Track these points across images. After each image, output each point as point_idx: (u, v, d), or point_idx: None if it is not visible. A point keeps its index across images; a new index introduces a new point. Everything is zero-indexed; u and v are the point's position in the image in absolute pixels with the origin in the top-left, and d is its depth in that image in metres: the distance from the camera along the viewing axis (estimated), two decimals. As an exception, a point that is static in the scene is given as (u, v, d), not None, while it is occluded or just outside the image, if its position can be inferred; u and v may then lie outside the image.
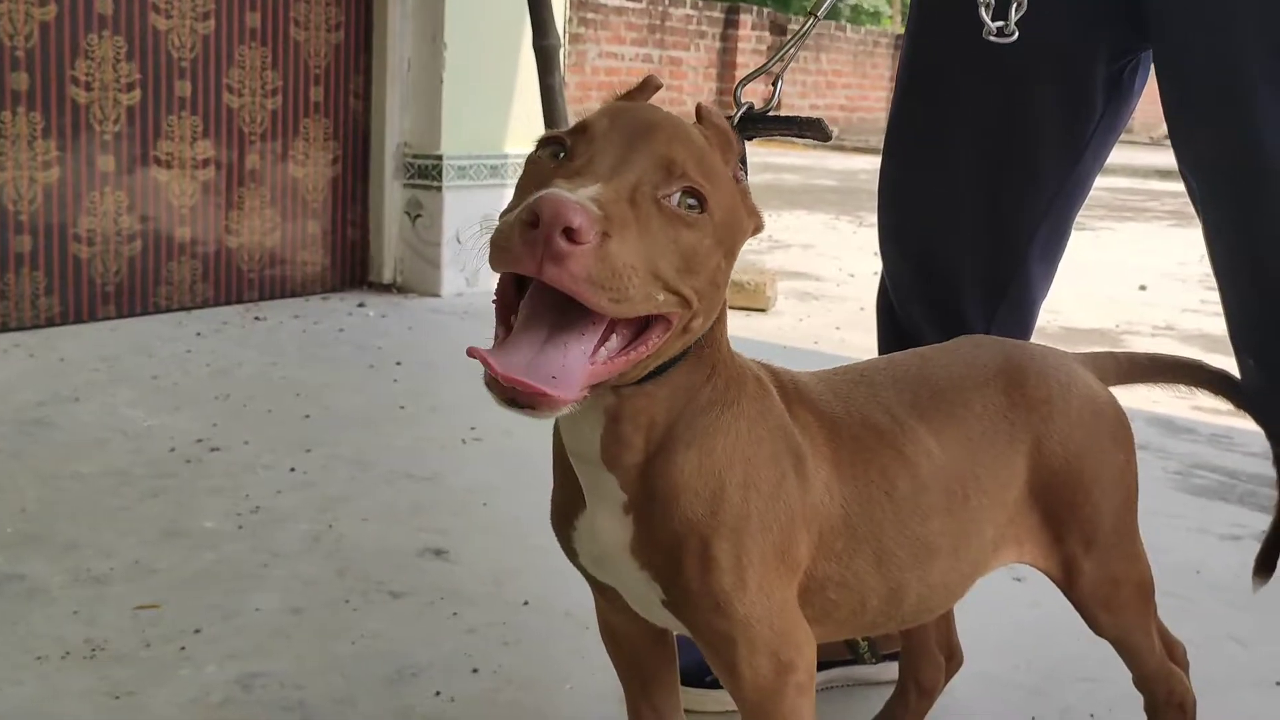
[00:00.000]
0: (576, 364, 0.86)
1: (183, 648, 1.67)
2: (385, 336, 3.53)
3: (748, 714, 1.07)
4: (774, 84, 1.22)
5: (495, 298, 0.93)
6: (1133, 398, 3.12)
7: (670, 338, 0.92)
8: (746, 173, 1.01)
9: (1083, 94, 1.46)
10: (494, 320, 0.93)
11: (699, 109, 1.00)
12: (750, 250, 5.76)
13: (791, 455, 1.06)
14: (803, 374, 1.18)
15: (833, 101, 14.83)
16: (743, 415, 1.03)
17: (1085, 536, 1.23)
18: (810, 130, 1.05)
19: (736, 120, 1.08)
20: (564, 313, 0.88)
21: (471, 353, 0.86)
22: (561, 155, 0.92)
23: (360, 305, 3.92)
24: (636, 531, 1.03)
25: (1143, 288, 5.21)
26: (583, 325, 0.88)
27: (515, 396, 0.84)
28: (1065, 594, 1.28)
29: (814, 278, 5.05)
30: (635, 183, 0.88)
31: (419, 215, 4.10)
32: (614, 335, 0.90)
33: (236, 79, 3.72)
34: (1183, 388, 1.43)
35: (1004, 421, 1.19)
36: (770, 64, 1.21)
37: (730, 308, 1.12)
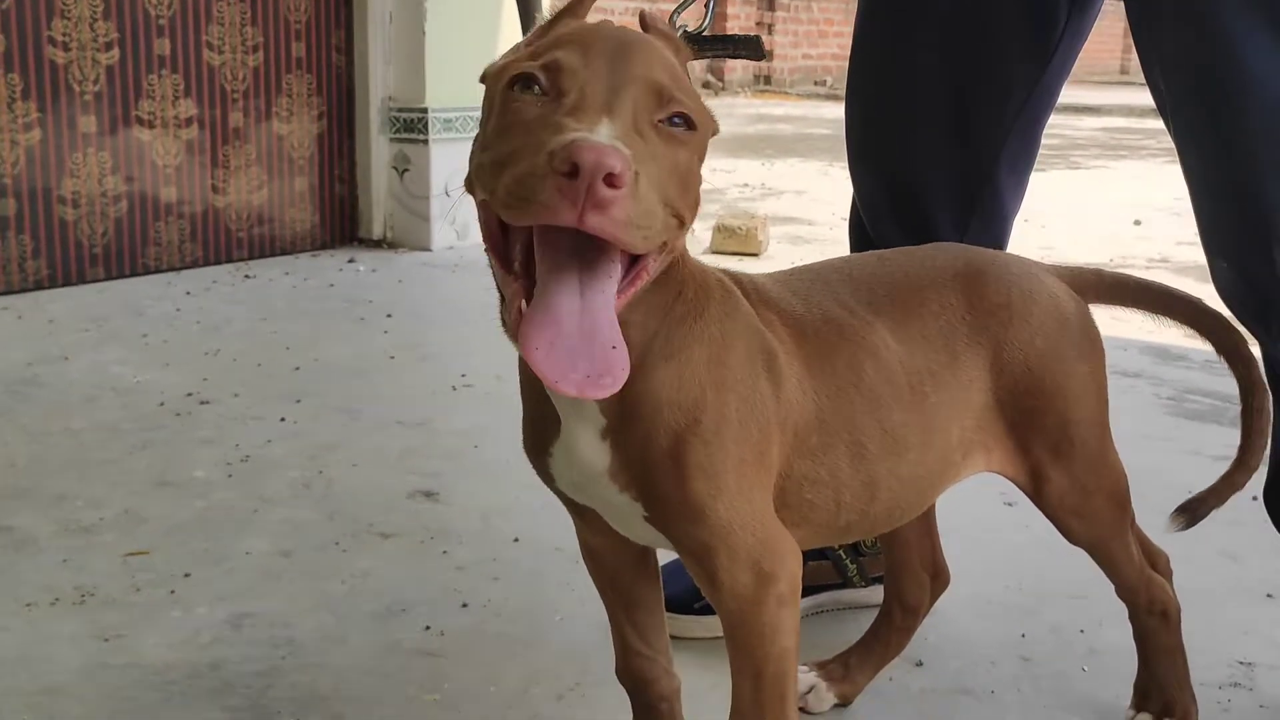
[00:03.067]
0: (623, 352, 0.87)
1: (172, 591, 1.67)
2: (375, 290, 3.52)
3: (729, 625, 1.06)
4: (706, 6, 1.20)
5: (487, 243, 0.92)
6: (1128, 328, 3.12)
7: (659, 255, 0.92)
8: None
9: (1047, 3, 1.45)
10: (490, 270, 0.93)
11: (643, 17, 0.99)
12: (743, 197, 5.74)
13: (764, 355, 1.06)
14: (759, 276, 1.17)
15: (825, 51, 14.72)
16: (713, 320, 1.03)
17: (1051, 445, 1.23)
18: (745, 49, 1.04)
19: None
20: (583, 256, 0.87)
21: (532, 365, 0.85)
22: (536, 89, 0.90)
23: (350, 261, 3.91)
24: (614, 455, 1.02)
25: (1137, 223, 5.19)
26: (607, 267, 0.88)
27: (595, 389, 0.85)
28: (1035, 503, 1.28)
29: (806, 222, 5.03)
30: (634, 112, 0.87)
31: (406, 170, 4.08)
32: (621, 270, 0.90)
33: (216, 36, 3.69)
34: (1169, 320, 1.38)
35: (962, 323, 1.19)
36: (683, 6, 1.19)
37: (722, 252, 1.12)
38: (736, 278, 1.12)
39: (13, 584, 1.67)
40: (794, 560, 1.07)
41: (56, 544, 1.80)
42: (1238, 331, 1.33)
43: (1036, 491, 1.26)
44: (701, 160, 0.95)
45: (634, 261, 0.91)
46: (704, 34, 1.08)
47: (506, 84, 0.91)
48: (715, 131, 0.97)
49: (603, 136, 0.82)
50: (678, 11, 1.08)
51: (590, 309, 0.87)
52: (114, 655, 1.50)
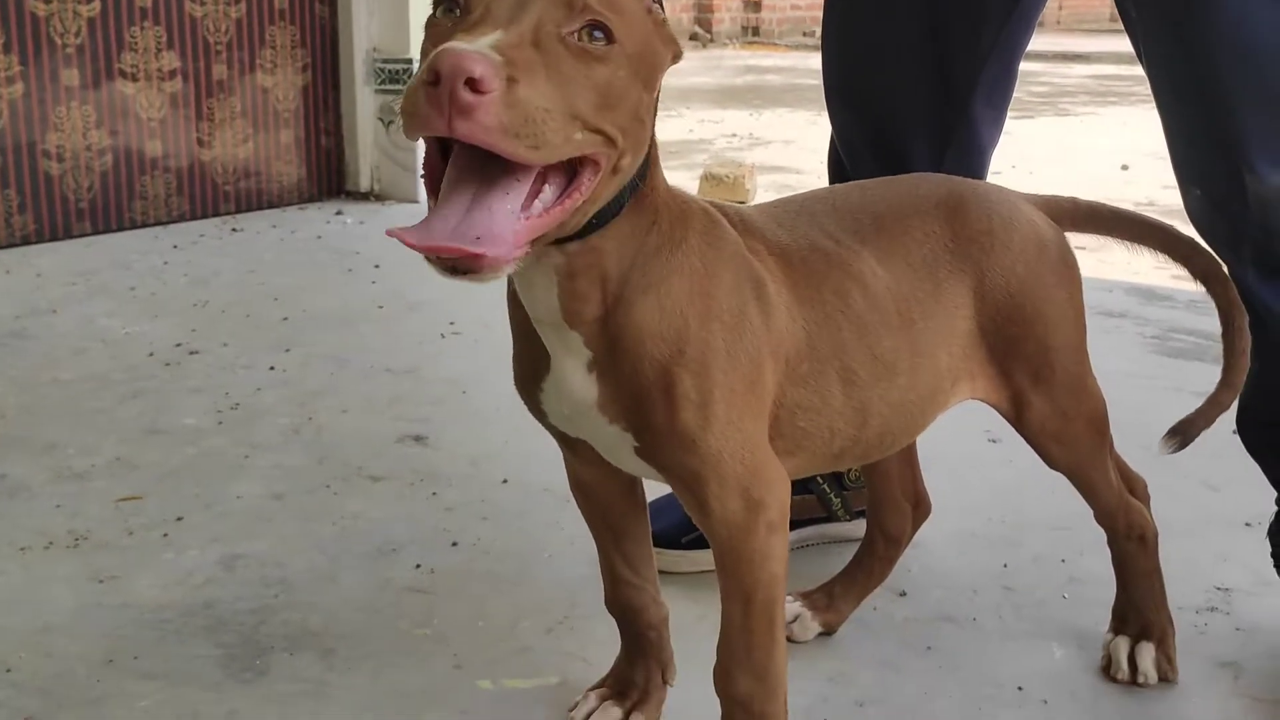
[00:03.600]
0: (505, 221, 0.86)
1: (165, 534, 1.69)
2: (363, 242, 3.51)
3: (719, 552, 1.08)
4: None
5: (423, 171, 0.92)
6: (1112, 269, 3.12)
7: (602, 180, 0.91)
8: (662, 6, 0.99)
9: None
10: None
11: None
12: (730, 146, 5.72)
13: (752, 283, 1.07)
14: (744, 208, 1.18)
15: (813, 1, 14.62)
16: (694, 251, 1.03)
17: (1032, 371, 1.25)
18: None
19: None
20: (488, 172, 0.87)
21: (390, 233, 0.84)
22: (457, 12, 0.90)
23: (338, 213, 3.90)
24: (602, 388, 1.03)
25: (1125, 167, 5.20)
26: (507, 182, 0.87)
27: (454, 264, 0.84)
28: (1016, 428, 1.30)
29: (794, 170, 5.02)
30: (536, 24, 0.86)
31: (392, 121, 4.06)
32: (546, 186, 0.89)
33: (198, -13, 3.66)
34: (1145, 250, 1.40)
35: (945, 251, 1.20)
36: None
37: (709, 201, 1.12)
38: (722, 208, 1.12)
39: (7, 529, 1.69)
40: (782, 487, 1.09)
41: (49, 490, 1.82)
42: (1211, 254, 1.34)
43: (1018, 417, 1.28)
44: (642, 78, 0.92)
45: (572, 179, 0.90)
46: None
47: (433, 7, 0.92)
48: (676, 57, 0.97)
49: (477, 46, 0.81)
50: None
51: (479, 207, 0.86)
52: (108, 596, 1.52)
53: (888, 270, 1.17)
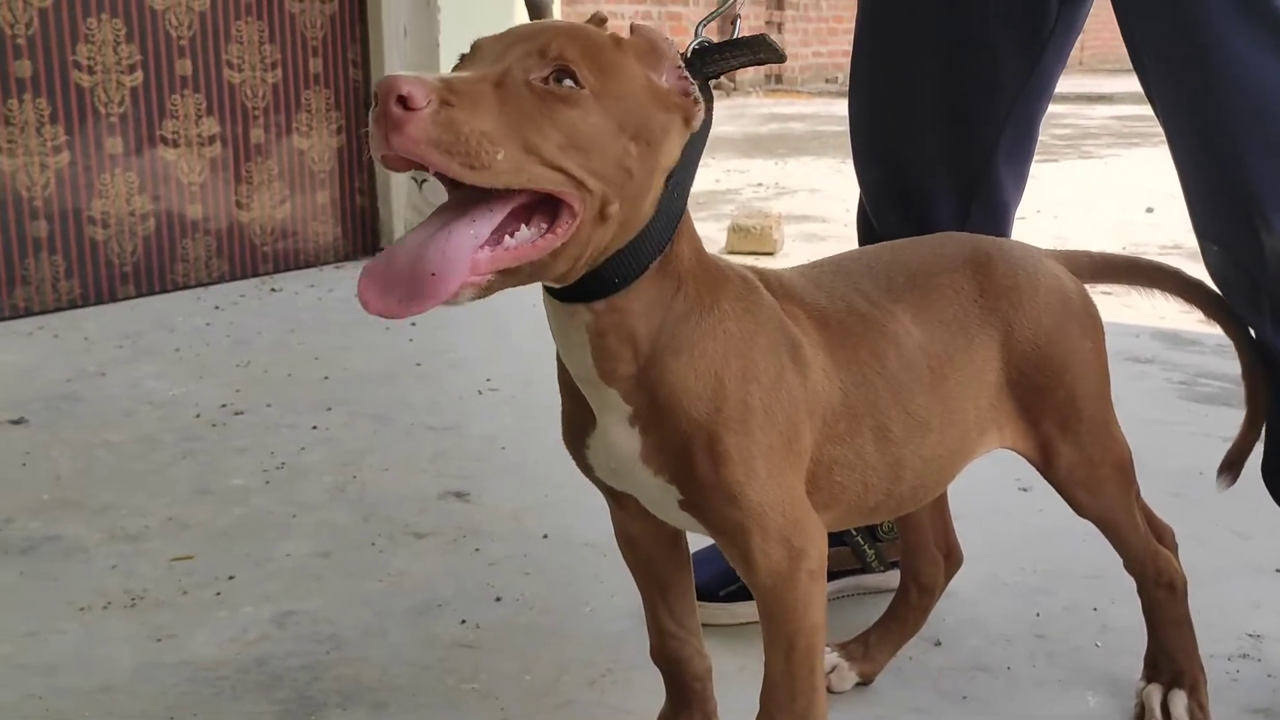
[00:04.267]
0: (460, 244, 0.91)
1: (218, 593, 1.74)
2: (399, 299, 3.58)
3: (763, 600, 1.12)
4: (733, 23, 1.25)
5: None
6: (1139, 314, 3.16)
7: (583, 225, 0.95)
8: (692, 79, 1.02)
9: None
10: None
11: (632, 27, 1.04)
12: (756, 196, 5.79)
13: (788, 345, 1.11)
14: (784, 271, 1.23)
15: (836, 48, 14.75)
16: (728, 316, 1.08)
17: (1060, 420, 1.29)
18: (762, 50, 1.08)
19: (690, 52, 1.10)
20: (465, 206, 0.93)
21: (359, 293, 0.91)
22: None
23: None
24: (645, 441, 1.08)
25: (1149, 210, 5.22)
26: (477, 211, 0.92)
27: (412, 286, 0.89)
28: (1045, 476, 1.34)
29: (820, 219, 5.08)
30: (504, 70, 0.92)
31: (425, 180, 4.14)
32: (524, 226, 0.94)
33: (236, 54, 3.77)
34: (1159, 293, 1.48)
35: (974, 306, 1.25)
36: (727, 6, 1.23)
37: (738, 252, 1.18)
38: (761, 274, 1.17)
39: (66, 589, 1.74)
40: (821, 538, 1.13)
41: (105, 550, 1.88)
42: (1217, 294, 1.40)
43: (1046, 465, 1.32)
44: (631, 133, 0.96)
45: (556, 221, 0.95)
46: (717, 43, 1.12)
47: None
48: (688, 119, 1.01)
49: (417, 74, 0.88)
50: (701, 25, 1.13)
51: (431, 244, 0.90)
52: (166, 654, 1.57)
53: (921, 328, 1.22)
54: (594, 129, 0.94)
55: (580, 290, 1.02)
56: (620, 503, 1.22)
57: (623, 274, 1.02)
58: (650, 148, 0.98)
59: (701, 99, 1.03)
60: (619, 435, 1.09)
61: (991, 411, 1.27)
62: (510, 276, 0.95)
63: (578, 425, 1.15)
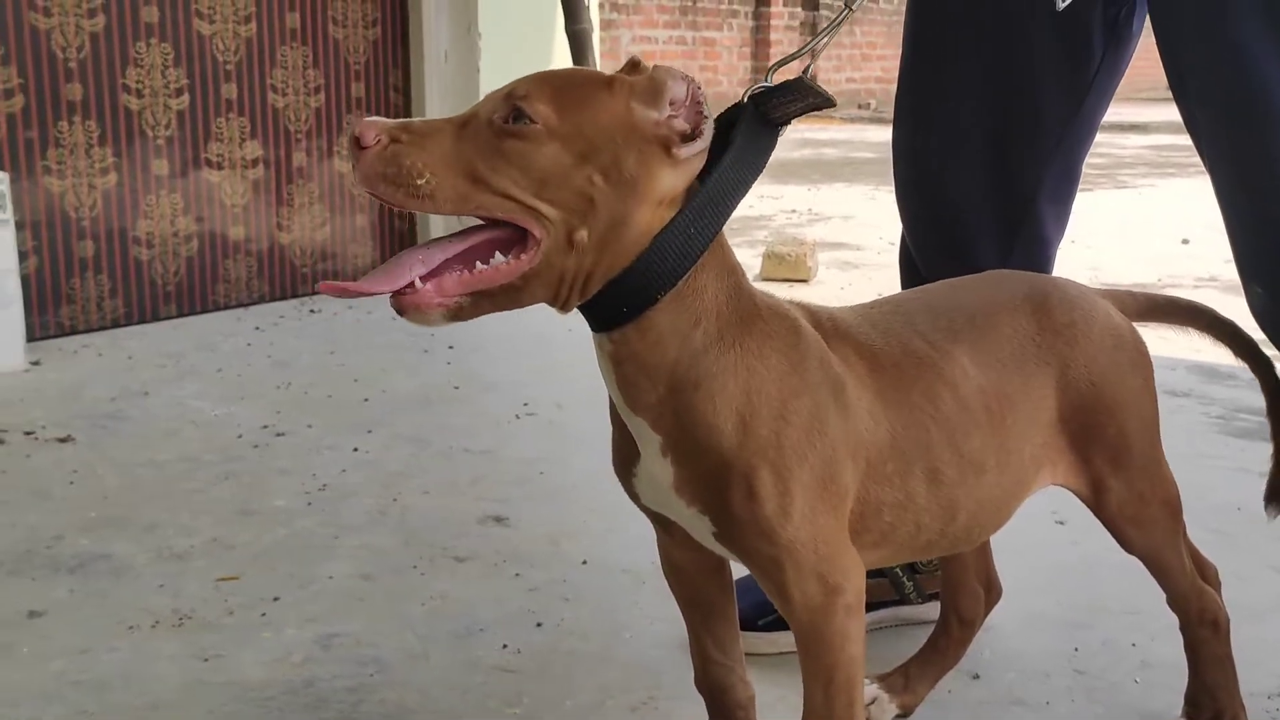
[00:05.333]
0: (414, 268, 1.01)
1: (263, 614, 1.77)
2: (436, 322, 3.61)
3: (800, 635, 1.14)
4: (805, 71, 1.25)
5: None
6: (1176, 347, 3.16)
7: (550, 252, 1.01)
8: (705, 116, 1.05)
9: (1082, 39, 1.52)
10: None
11: (630, 60, 1.10)
12: (790, 223, 5.81)
13: (830, 387, 1.13)
14: (839, 310, 1.25)
15: (868, 74, 14.78)
16: (752, 354, 1.09)
17: (1111, 457, 1.30)
18: (812, 95, 1.10)
19: (747, 97, 1.12)
20: (457, 236, 1.04)
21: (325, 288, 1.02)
22: None
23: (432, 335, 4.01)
24: (677, 471, 1.10)
25: (1185, 241, 5.21)
26: (453, 242, 1.03)
27: (396, 303, 1.01)
28: (1095, 512, 1.35)
29: (854, 247, 5.09)
30: (473, 113, 1.02)
31: (463, 204, 4.18)
32: (503, 254, 1.02)
33: (280, 79, 3.83)
34: (1193, 331, 1.49)
35: (1032, 345, 1.27)
36: (804, 50, 1.24)
37: (772, 279, 1.20)
38: (814, 312, 1.19)
39: (115, 607, 1.77)
40: (858, 574, 1.14)
41: (152, 570, 1.91)
42: (1249, 336, 1.41)
43: (1097, 501, 1.33)
44: (595, 164, 1.01)
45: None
46: (771, 87, 1.13)
47: None
48: (667, 150, 1.03)
49: (377, 120, 1.00)
50: (773, 70, 1.15)
51: (406, 262, 1.02)
52: (213, 674, 1.60)
53: (979, 368, 1.23)
54: (546, 160, 1.00)
55: (599, 320, 1.08)
56: (666, 529, 1.24)
57: (630, 303, 1.06)
58: (623, 179, 1.02)
59: (695, 135, 1.04)
60: (654, 465, 1.12)
61: (1044, 449, 1.28)
62: (485, 300, 1.03)
63: (625, 453, 1.17)
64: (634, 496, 1.20)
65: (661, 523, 1.22)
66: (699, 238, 1.07)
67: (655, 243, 1.05)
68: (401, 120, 1.01)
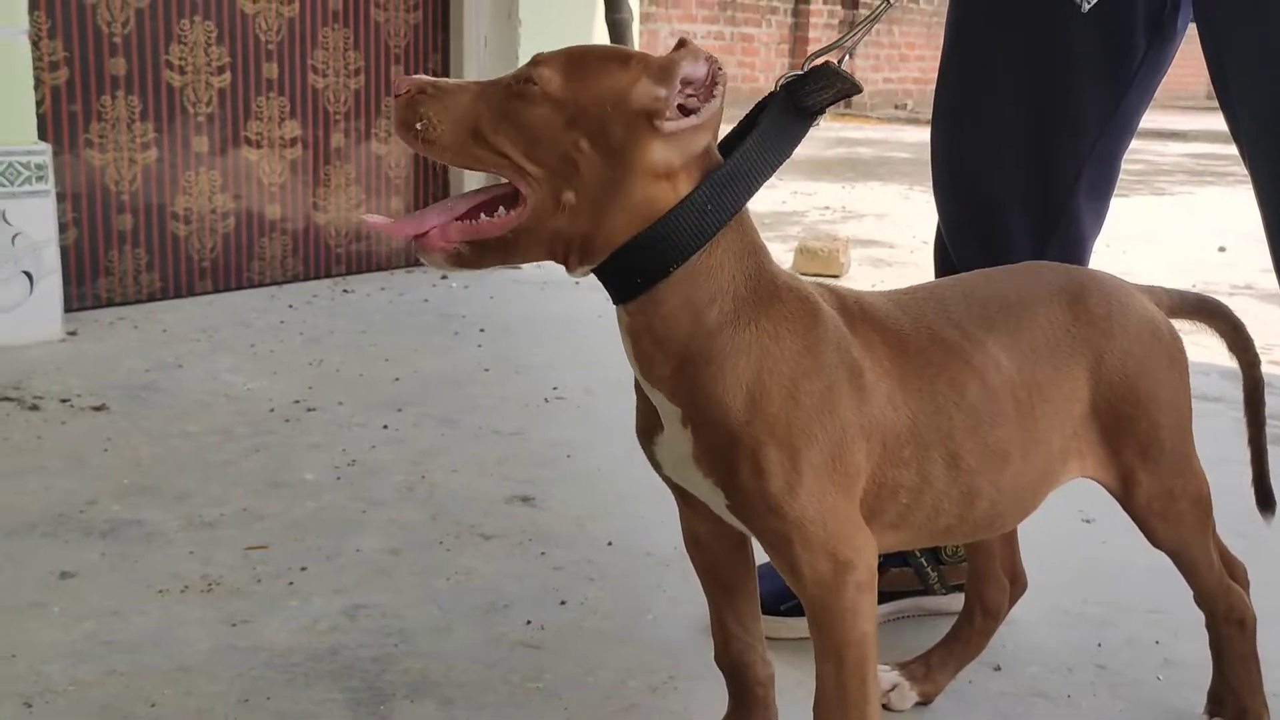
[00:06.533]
0: (438, 218, 1.10)
1: (291, 583, 1.79)
2: (468, 305, 3.64)
3: (811, 611, 1.15)
4: (839, 61, 1.25)
5: None
6: (1209, 352, 3.13)
7: (537, 210, 1.07)
8: (714, 96, 1.07)
9: (1124, 35, 1.52)
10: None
11: (679, 40, 1.12)
12: (823, 219, 5.80)
13: (845, 369, 1.13)
14: (871, 294, 1.25)
15: (906, 75, 14.72)
16: (766, 335, 1.10)
17: (1142, 450, 1.30)
18: (840, 82, 1.11)
19: (780, 86, 1.15)
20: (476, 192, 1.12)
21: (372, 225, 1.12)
22: None
23: (443, 278, 4.04)
24: (695, 441, 1.12)
25: (1222, 249, 5.17)
26: (466, 197, 1.11)
27: (414, 246, 1.11)
28: (1123, 506, 1.35)
29: (887, 245, 5.08)
30: (497, 79, 1.10)
31: (498, 189, 4.20)
32: (501, 209, 1.10)
33: (321, 60, 3.85)
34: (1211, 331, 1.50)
35: (1066, 336, 1.27)
36: (842, 40, 1.25)
37: (804, 274, 1.21)
38: (840, 296, 1.20)
39: (146, 573, 1.80)
40: (869, 551, 1.15)
41: (183, 537, 1.93)
42: (1250, 343, 1.46)
43: (1126, 495, 1.33)
44: (584, 130, 1.05)
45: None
46: (801, 74, 1.14)
47: None
48: (654, 116, 1.05)
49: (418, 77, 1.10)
50: (809, 61, 1.16)
51: (433, 207, 1.12)
52: (241, 639, 1.62)
53: (1011, 358, 1.23)
54: (538, 121, 1.06)
55: (616, 291, 1.11)
56: (688, 502, 1.25)
57: (643, 275, 1.08)
58: (610, 147, 1.06)
59: (684, 113, 1.06)
60: (675, 435, 1.14)
61: (1074, 440, 1.28)
62: (485, 251, 1.09)
63: (647, 423, 1.19)
64: (656, 466, 1.21)
65: (683, 495, 1.23)
66: (715, 214, 1.08)
67: (668, 216, 1.07)
68: (434, 78, 1.09)
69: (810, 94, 1.12)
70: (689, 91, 1.06)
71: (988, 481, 1.22)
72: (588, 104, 1.06)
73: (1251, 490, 1.49)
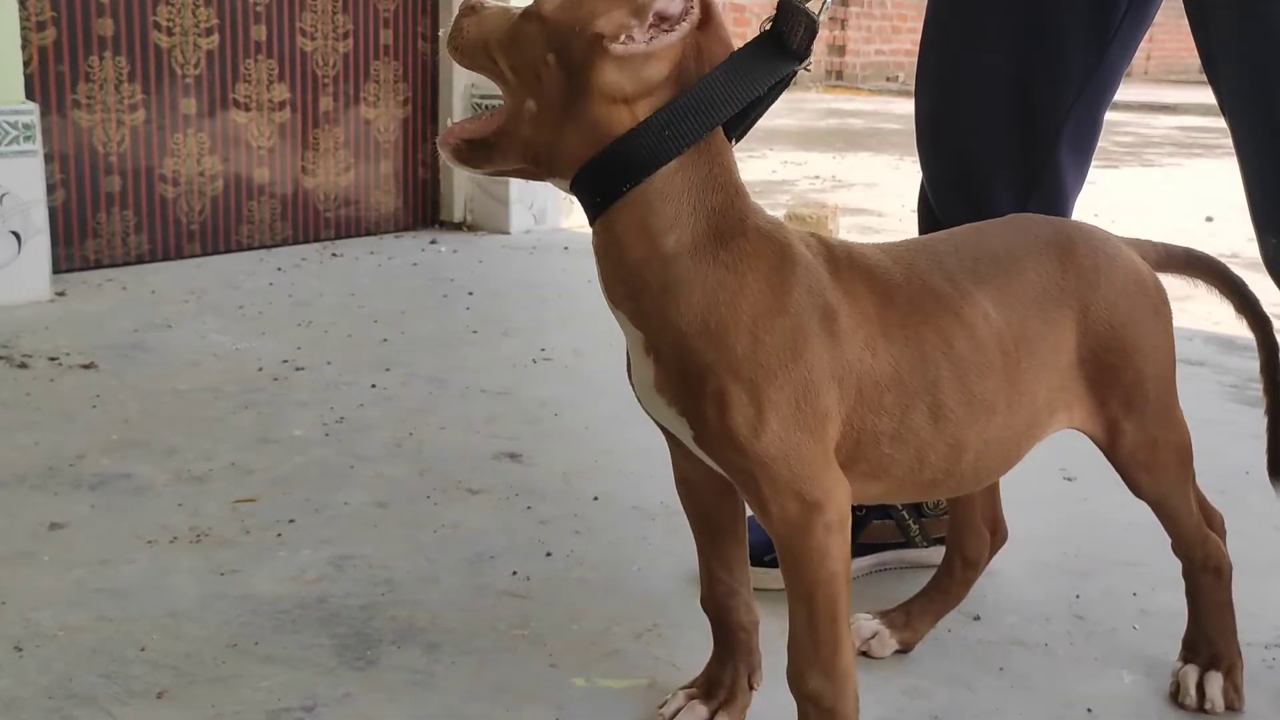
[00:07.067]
0: (459, 122, 1.20)
1: (279, 535, 1.80)
2: (457, 270, 3.65)
3: (780, 550, 1.16)
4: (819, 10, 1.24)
5: None
6: (1193, 318, 3.17)
7: (512, 116, 1.14)
8: (668, 30, 1.08)
9: None
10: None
11: None
12: (813, 188, 5.81)
13: (817, 311, 1.13)
14: (865, 245, 1.26)
15: (898, 46, 14.69)
16: (726, 267, 1.10)
17: (1127, 400, 1.32)
18: (795, 11, 1.12)
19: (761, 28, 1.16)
20: None
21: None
22: None
23: (432, 242, 4.05)
24: (658, 369, 1.14)
25: (1209, 219, 5.19)
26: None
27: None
28: (1108, 456, 1.36)
29: (876, 213, 5.09)
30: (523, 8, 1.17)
31: (487, 155, 4.20)
32: None
33: (309, 23, 3.84)
34: (1204, 285, 1.51)
35: (1055, 288, 1.28)
36: None
37: (813, 234, 1.21)
38: (830, 245, 1.20)
39: (135, 523, 1.81)
40: (840, 493, 1.15)
41: (172, 490, 1.94)
42: (1253, 294, 1.47)
43: (1111, 445, 1.35)
44: (554, 47, 1.11)
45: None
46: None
47: None
48: (596, 38, 1.08)
49: None
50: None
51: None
52: (229, 587, 1.63)
53: (1001, 310, 1.24)
54: (524, 35, 1.13)
55: (587, 209, 1.15)
56: (678, 443, 1.26)
57: (602, 195, 1.12)
58: (571, 66, 1.10)
59: (617, 49, 1.08)
60: (640, 362, 1.16)
61: (1062, 393, 1.29)
62: (474, 150, 1.17)
63: (630, 359, 1.21)
64: (638, 399, 1.22)
65: (671, 436, 1.25)
66: (673, 140, 1.09)
67: (625, 136, 1.10)
68: (487, 1, 1.20)
69: (786, 35, 1.13)
70: (664, 27, 1.08)
71: (975, 433, 1.22)
72: (564, 24, 1.10)
73: (1234, 450, 1.50)
